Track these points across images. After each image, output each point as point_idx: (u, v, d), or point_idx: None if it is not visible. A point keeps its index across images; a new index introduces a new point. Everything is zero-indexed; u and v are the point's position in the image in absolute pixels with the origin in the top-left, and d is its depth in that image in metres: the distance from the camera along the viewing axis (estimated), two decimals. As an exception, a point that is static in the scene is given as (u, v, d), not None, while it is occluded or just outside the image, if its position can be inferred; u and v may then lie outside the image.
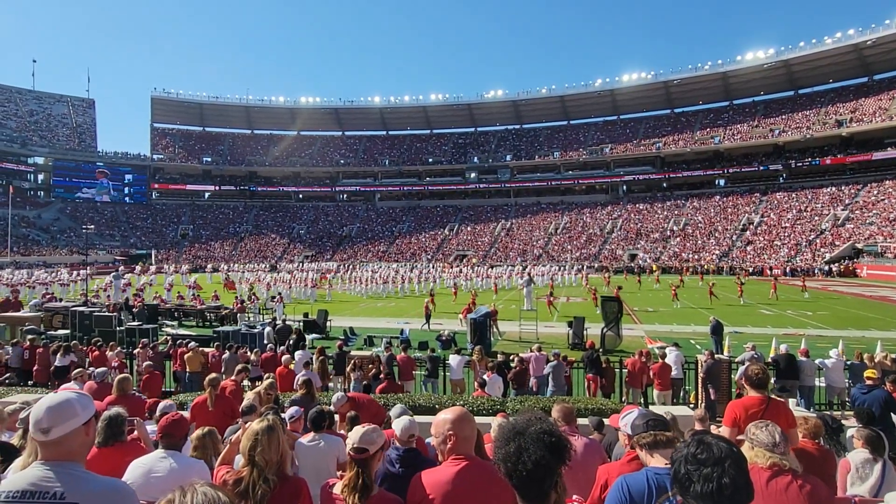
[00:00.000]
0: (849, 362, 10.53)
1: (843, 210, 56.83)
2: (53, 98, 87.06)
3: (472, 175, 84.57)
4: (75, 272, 42.81)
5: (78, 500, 1.69)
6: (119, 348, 11.99)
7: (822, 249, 52.15)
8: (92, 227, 52.41)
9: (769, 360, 10.83)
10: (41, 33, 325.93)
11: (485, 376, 9.30)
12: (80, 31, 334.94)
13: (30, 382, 11.32)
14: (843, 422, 6.14)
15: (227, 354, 11.21)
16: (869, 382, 6.68)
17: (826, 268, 48.30)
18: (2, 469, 2.81)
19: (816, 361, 10.40)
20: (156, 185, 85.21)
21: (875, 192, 57.14)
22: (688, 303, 28.81)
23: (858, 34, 62.25)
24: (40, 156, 77.28)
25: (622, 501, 2.12)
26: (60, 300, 26.49)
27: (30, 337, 13.44)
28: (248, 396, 5.56)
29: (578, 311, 23.31)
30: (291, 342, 14.31)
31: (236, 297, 26.53)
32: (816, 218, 57.79)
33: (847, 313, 25.06)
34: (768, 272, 48.97)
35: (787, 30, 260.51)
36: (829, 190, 61.67)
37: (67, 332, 17.33)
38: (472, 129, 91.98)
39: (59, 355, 10.72)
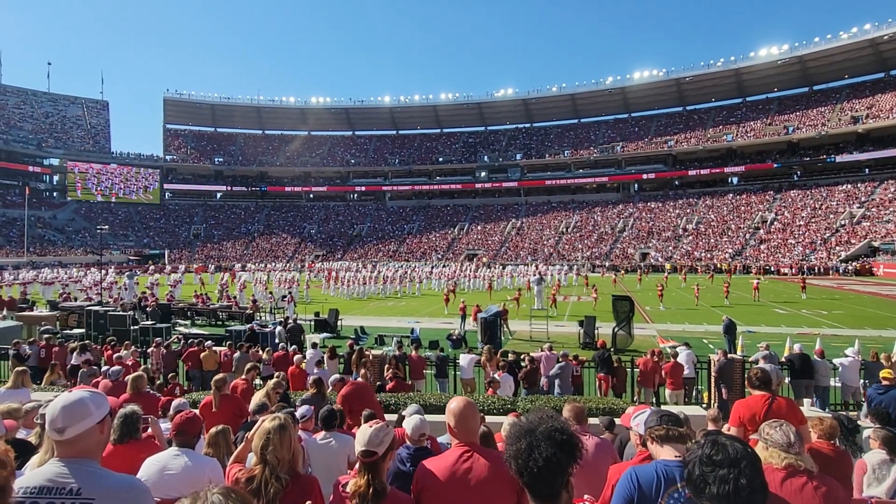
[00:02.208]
0: (864, 362, 10.38)
1: (858, 208, 56.01)
2: (68, 100, 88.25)
3: (483, 174, 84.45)
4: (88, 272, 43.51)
5: (94, 496, 1.72)
6: (133, 347, 12.13)
7: (837, 248, 51.44)
8: (106, 227, 53.02)
9: (783, 359, 10.70)
10: (56, 36, 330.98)
11: (495, 375, 9.29)
12: (93, 33, 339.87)
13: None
14: (859, 422, 6.05)
15: (238, 353, 11.29)
16: (885, 383, 6.58)
17: (842, 266, 47.65)
18: (19, 466, 2.85)
19: (835, 361, 10.25)
20: (168, 186, 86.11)
21: (892, 190, 56.22)
22: (674, 304, 28.17)
23: (875, 29, 61.24)
24: (55, 157, 78.34)
25: (631, 491, 2.12)
26: (76, 299, 26.87)
27: (46, 336, 13.64)
28: (257, 396, 5.60)
29: (589, 310, 23.19)
30: (244, 339, 14.33)
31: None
32: (832, 216, 57.01)
33: (863, 312, 24.68)
34: (785, 270, 48.50)
35: (801, 25, 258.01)
36: (844, 187, 60.80)
37: (83, 331, 17.56)
38: (483, 128, 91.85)
39: (75, 354, 10.88)
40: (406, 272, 42.77)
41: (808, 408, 7.57)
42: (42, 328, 17.15)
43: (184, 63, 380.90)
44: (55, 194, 78.88)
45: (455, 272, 43.52)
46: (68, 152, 79.06)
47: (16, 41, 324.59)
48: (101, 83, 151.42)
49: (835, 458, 3.80)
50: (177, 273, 42.39)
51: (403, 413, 4.69)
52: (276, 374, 8.13)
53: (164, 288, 32.78)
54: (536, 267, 50.35)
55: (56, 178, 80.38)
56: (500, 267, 51.44)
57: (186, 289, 34.60)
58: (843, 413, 6.71)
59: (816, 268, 47.95)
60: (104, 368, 8.54)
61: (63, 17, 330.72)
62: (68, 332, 17.65)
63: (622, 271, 51.60)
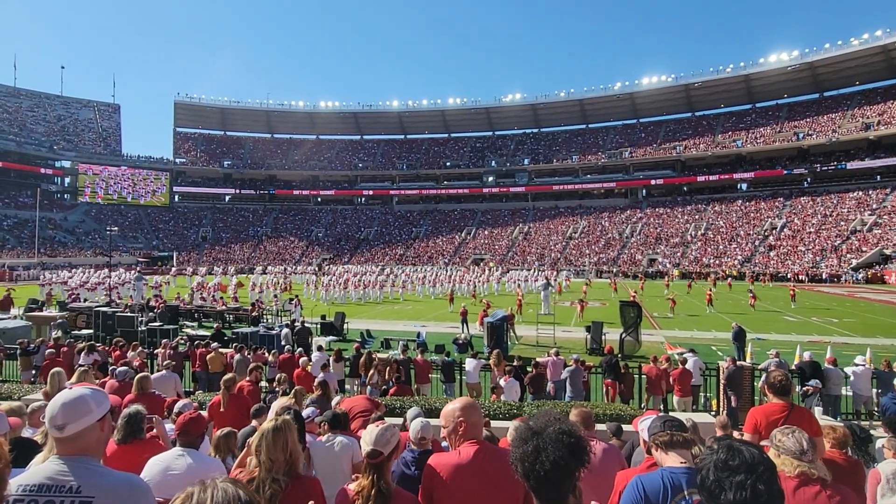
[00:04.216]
0: (876, 370, 10.23)
1: (870, 215, 55.40)
2: (80, 103, 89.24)
3: (490, 179, 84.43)
4: (97, 272, 43.89)
5: (93, 493, 1.70)
6: (140, 348, 12.17)
7: (848, 255, 50.90)
8: (116, 229, 53.35)
9: (793, 367, 10.58)
10: (69, 40, 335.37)
11: (501, 381, 9.24)
12: (107, 37, 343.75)
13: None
14: (872, 432, 5.94)
15: (238, 356, 11.12)
16: (900, 391, 6.47)
17: (853, 274, 47.14)
18: (24, 464, 2.84)
19: (846, 369, 10.11)
20: (178, 188, 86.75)
21: (904, 197, 55.62)
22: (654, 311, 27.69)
23: (886, 35, 60.73)
24: (67, 159, 79.16)
25: (637, 501, 2.08)
26: (85, 300, 27.06)
27: (55, 336, 13.71)
28: (280, 402, 5.47)
29: (598, 315, 23.07)
30: (210, 338, 14.19)
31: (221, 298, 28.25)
32: (842, 223, 56.43)
33: (875, 320, 24.39)
34: (802, 277, 48.03)
35: (811, 31, 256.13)
36: (855, 194, 60.18)
37: (91, 331, 17.67)
38: (490, 133, 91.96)
39: (83, 354, 10.92)
40: (387, 276, 41.86)
41: (818, 415, 7.46)
42: (54, 324, 17.29)
43: (194, 66, 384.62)
44: (66, 196, 79.65)
45: (440, 277, 42.04)
46: (80, 155, 79.89)
47: (30, 45, 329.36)
48: (112, 86, 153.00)
49: (847, 467, 3.72)
50: (164, 276, 43.19)
51: (406, 415, 4.66)
52: (279, 375, 8.13)
53: (149, 290, 32.34)
54: (533, 271, 49.85)
55: (67, 180, 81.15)
56: (497, 272, 50.87)
57: (174, 291, 34.61)
58: (856, 422, 6.60)
59: (838, 276, 47.42)
60: (110, 368, 8.57)
61: (77, 20, 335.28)
62: (77, 332, 17.78)
63: (612, 277, 51.20)
